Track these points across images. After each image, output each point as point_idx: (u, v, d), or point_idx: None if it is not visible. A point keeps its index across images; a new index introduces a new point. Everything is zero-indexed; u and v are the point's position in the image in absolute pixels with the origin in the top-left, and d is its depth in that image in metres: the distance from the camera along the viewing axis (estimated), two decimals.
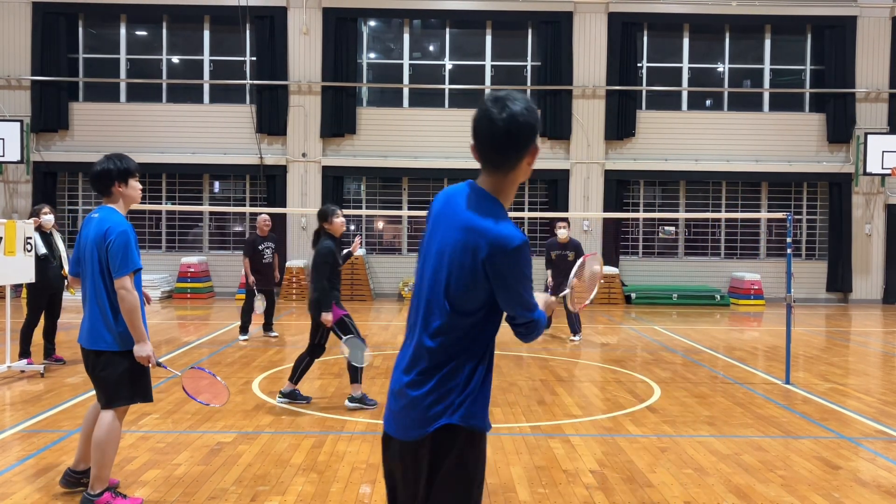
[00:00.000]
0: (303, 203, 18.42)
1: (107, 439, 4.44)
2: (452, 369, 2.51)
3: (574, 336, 11.81)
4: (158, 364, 4.60)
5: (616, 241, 18.65)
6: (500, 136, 2.50)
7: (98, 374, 4.50)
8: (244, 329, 11.20)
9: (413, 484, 2.57)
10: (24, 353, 8.59)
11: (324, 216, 7.04)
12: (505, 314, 2.60)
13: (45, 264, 8.54)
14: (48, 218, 8.73)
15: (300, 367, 7.18)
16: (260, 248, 11.15)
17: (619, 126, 18.55)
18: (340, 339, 6.91)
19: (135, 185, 4.61)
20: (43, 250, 8.59)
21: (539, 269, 11.93)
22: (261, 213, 11.63)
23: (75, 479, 4.74)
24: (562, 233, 11.63)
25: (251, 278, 11.03)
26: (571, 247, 11.57)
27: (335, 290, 6.97)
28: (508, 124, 2.48)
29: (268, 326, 11.56)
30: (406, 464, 2.59)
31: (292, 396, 7.22)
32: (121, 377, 4.48)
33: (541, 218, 18.67)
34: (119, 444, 4.61)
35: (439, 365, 2.52)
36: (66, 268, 8.48)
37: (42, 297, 8.63)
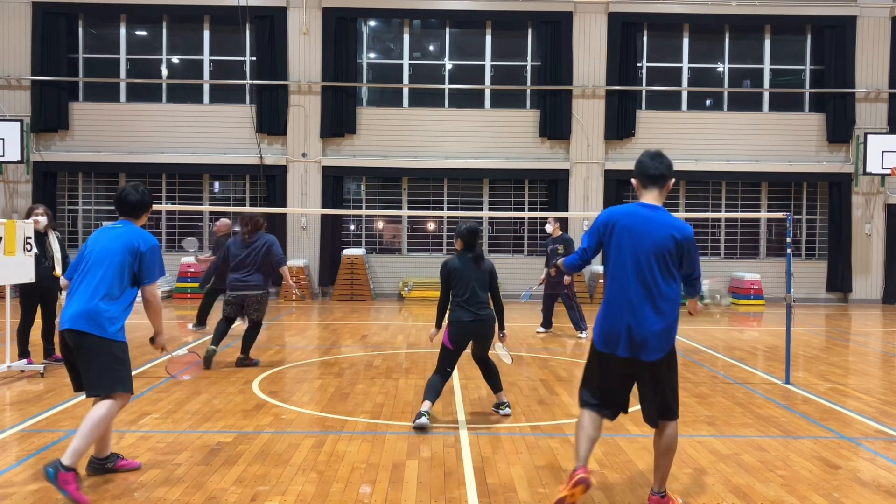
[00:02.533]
0: (303, 203, 18.42)
1: (100, 421, 4.73)
2: (673, 315, 4.40)
3: (580, 333, 11.89)
4: (163, 350, 5.30)
5: None
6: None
7: (96, 359, 4.79)
8: (202, 321, 11.87)
9: (651, 385, 4.43)
10: (23, 353, 8.59)
11: (478, 235, 6.75)
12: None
13: (36, 264, 8.53)
14: (41, 219, 8.70)
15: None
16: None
17: (619, 126, 18.55)
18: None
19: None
20: (34, 250, 8.58)
21: (531, 270, 11.92)
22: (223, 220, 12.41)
23: (100, 465, 5.09)
24: (548, 227, 12.49)
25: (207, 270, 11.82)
26: (561, 240, 12.14)
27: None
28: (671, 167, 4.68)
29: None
30: (647, 372, 4.40)
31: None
32: (117, 363, 4.85)
33: (541, 218, 18.67)
34: (108, 428, 4.94)
35: (669, 313, 4.37)
36: (59, 269, 8.50)
37: (32, 296, 8.64)
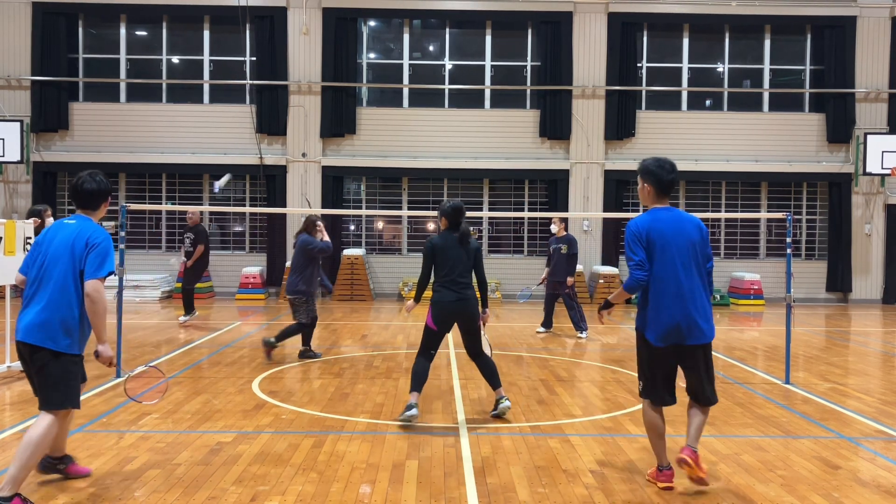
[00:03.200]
0: (303, 203, 18.42)
1: (41, 441, 4.44)
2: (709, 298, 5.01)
3: (580, 333, 11.89)
4: (112, 365, 4.80)
5: (616, 242, 18.64)
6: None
7: (49, 373, 4.53)
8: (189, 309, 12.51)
9: (703, 366, 4.94)
10: None
11: (462, 213, 6.75)
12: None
13: None
14: (51, 220, 8.76)
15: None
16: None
17: (619, 126, 18.55)
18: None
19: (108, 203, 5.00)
20: None
21: (531, 270, 11.91)
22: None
23: (52, 464, 4.95)
24: (553, 227, 12.41)
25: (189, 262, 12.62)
26: (565, 240, 12.13)
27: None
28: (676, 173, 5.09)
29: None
30: (700, 355, 4.93)
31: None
32: (70, 379, 4.58)
33: (541, 218, 18.67)
34: (46, 450, 4.61)
35: (709, 296, 4.98)
36: None
37: None
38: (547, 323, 12.57)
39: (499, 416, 6.73)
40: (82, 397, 7.00)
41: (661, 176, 4.97)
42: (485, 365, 6.79)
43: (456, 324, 6.68)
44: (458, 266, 6.52)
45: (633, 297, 5.25)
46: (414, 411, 6.38)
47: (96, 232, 4.63)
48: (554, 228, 12.37)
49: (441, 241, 6.58)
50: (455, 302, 6.49)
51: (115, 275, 4.83)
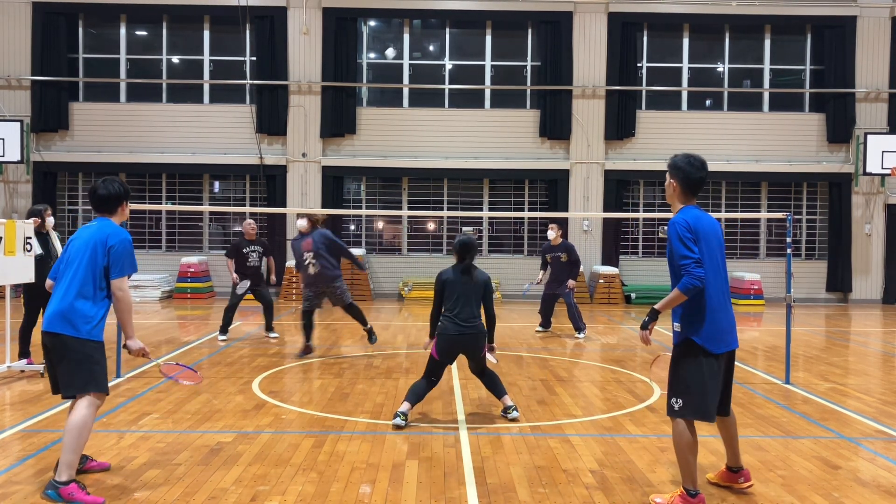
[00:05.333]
0: (303, 203, 18.43)
1: (81, 424, 4.65)
2: None
3: (578, 333, 11.87)
4: (145, 355, 5.01)
5: (616, 242, 18.65)
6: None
7: (71, 358, 4.73)
8: (224, 329, 11.20)
9: (728, 370, 4.71)
10: (24, 353, 8.60)
11: (470, 249, 6.68)
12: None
13: (42, 265, 8.53)
14: (51, 220, 8.76)
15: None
16: (245, 251, 11.23)
17: (619, 126, 18.55)
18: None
19: (127, 206, 5.14)
20: (39, 250, 8.58)
21: (531, 270, 11.93)
22: (248, 220, 11.77)
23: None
24: (550, 234, 12.01)
25: (234, 276, 11.15)
26: (563, 248, 11.87)
27: None
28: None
29: (268, 328, 11.55)
30: (730, 361, 4.71)
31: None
32: (92, 363, 4.76)
33: (540, 218, 18.68)
34: (90, 432, 4.77)
35: None
36: None
37: (38, 296, 8.61)
38: (546, 323, 12.53)
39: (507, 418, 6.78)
40: None
41: (690, 173, 4.62)
42: (489, 380, 6.85)
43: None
44: (462, 300, 6.53)
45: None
46: (399, 420, 6.40)
47: (114, 233, 4.84)
48: (551, 235, 12.03)
49: (450, 275, 6.61)
50: (457, 336, 6.51)
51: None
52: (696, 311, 4.49)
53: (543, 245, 12.46)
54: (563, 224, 18.50)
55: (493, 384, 6.85)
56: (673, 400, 4.53)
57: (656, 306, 4.57)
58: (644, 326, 4.60)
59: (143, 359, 5.04)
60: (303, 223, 9.90)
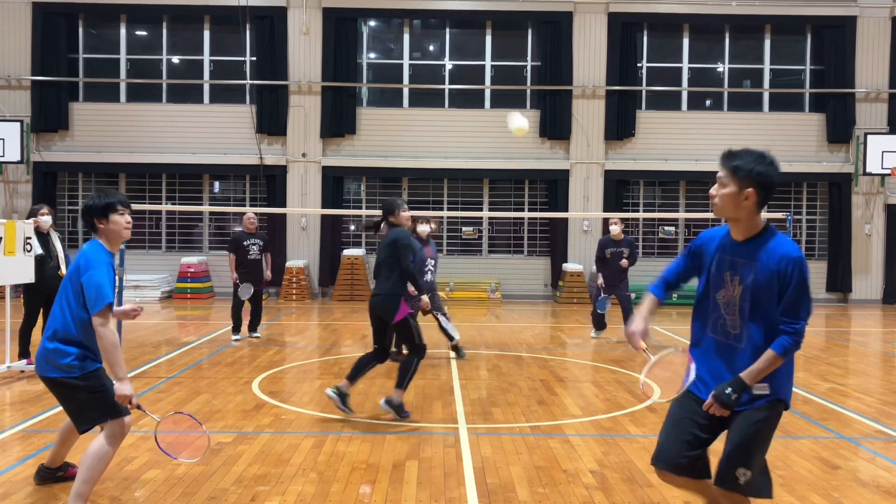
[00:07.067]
0: (303, 203, 18.43)
1: (96, 457, 4.31)
2: None
3: (595, 332, 11.78)
4: (138, 407, 4.38)
5: None
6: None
7: (73, 399, 4.37)
8: (236, 329, 11.16)
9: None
10: (24, 353, 8.59)
11: (390, 209, 6.83)
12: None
13: (42, 265, 8.53)
14: (46, 219, 8.70)
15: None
16: (245, 244, 11.12)
17: (619, 126, 18.55)
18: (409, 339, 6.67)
19: (117, 220, 4.46)
20: (39, 250, 8.58)
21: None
22: (249, 213, 11.57)
23: (50, 474, 4.86)
24: (614, 229, 11.25)
25: (234, 274, 11.00)
26: (626, 244, 11.25)
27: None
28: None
29: (253, 327, 11.37)
30: None
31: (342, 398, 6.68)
32: (95, 393, 4.35)
33: (540, 218, 18.68)
34: (107, 465, 4.41)
35: None
36: (63, 269, 8.48)
37: (38, 296, 8.61)
38: (601, 325, 11.72)
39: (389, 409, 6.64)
40: None
41: (775, 179, 3.60)
42: (394, 360, 6.92)
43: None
44: (378, 263, 6.73)
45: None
46: (330, 391, 6.53)
47: (85, 257, 4.34)
48: (615, 230, 11.18)
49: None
50: (370, 300, 6.69)
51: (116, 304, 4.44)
52: (789, 365, 3.48)
53: (601, 240, 11.56)
54: (561, 223, 18.57)
55: (398, 369, 6.66)
56: (741, 470, 3.42)
57: (747, 380, 3.37)
58: (728, 403, 3.39)
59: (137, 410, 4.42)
60: (426, 228, 9.57)
